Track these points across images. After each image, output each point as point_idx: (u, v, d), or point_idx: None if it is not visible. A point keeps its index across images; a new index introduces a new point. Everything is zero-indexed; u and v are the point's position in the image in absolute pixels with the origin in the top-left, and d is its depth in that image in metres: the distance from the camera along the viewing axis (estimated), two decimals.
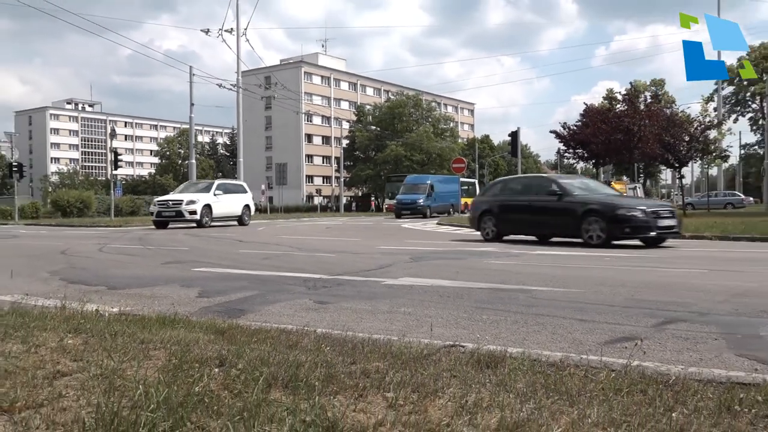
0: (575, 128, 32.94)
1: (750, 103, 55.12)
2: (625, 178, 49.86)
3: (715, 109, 47.72)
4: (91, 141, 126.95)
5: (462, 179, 44.72)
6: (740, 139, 68.84)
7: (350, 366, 3.05)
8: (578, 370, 3.11)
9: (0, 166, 73.65)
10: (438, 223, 26.01)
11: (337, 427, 2.19)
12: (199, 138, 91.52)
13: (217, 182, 25.89)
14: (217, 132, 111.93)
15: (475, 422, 2.29)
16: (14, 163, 34.65)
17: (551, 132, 34.65)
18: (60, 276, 8.04)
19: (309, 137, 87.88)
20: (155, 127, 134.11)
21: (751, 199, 50.84)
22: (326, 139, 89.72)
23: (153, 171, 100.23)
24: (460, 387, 2.74)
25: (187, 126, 43.20)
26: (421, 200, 38.11)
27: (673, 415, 2.39)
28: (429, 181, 40.89)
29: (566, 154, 36.02)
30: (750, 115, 55.88)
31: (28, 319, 4.16)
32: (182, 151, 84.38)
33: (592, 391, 2.70)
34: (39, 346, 3.43)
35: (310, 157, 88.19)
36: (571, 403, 2.53)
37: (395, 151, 66.01)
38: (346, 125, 79.78)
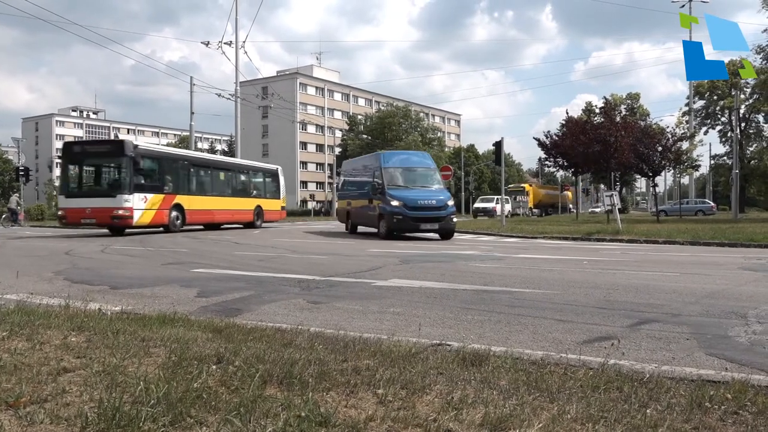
0: (557, 137, 33.15)
1: (720, 116, 55.66)
2: (602, 186, 50.16)
3: (687, 122, 48.22)
4: None
5: (260, 165, 28.94)
6: (710, 150, 69.63)
7: (342, 363, 3.04)
8: (558, 368, 3.13)
9: (7, 170, 72.90)
10: None
11: (330, 421, 2.19)
12: (199, 145, 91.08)
13: None
14: (216, 139, 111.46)
15: (460, 418, 2.29)
16: (21, 168, 34.36)
17: (535, 139, 34.83)
18: (64, 276, 7.97)
19: (304, 145, 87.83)
20: (157, 134, 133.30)
21: (712, 205, 51.37)
22: (320, 147, 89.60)
23: None
24: (447, 384, 2.74)
25: (188, 133, 42.98)
26: (449, 201, 17.47)
27: (648, 411, 2.40)
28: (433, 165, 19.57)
29: (547, 163, 36.22)
30: (719, 127, 56.45)
31: (33, 318, 4.11)
32: None
33: (571, 389, 2.71)
34: (43, 344, 3.39)
35: (304, 163, 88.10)
36: (552, 400, 2.54)
37: None
38: (339, 134, 79.76)
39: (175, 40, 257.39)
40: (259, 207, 26.53)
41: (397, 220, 16.61)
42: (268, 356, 3.09)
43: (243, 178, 26.90)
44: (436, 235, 17.43)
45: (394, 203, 16.72)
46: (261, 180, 28.13)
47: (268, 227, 27.20)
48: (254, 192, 26.96)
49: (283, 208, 29.69)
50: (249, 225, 26.10)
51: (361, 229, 20.62)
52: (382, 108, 78.62)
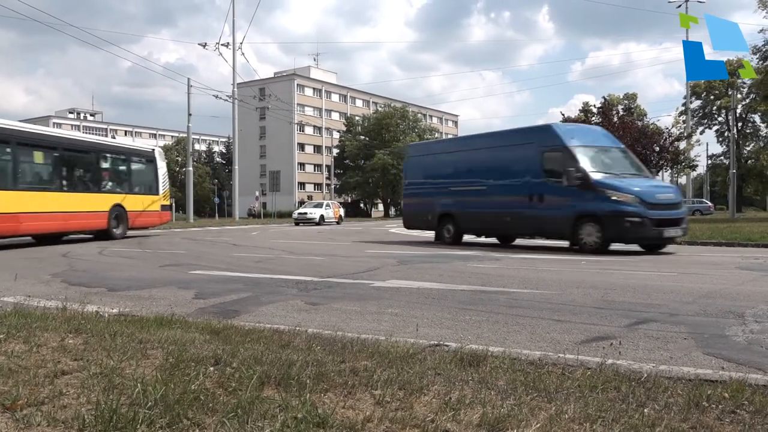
0: None
1: (716, 116, 55.80)
2: None
3: (684, 122, 48.34)
4: None
5: (121, 145, 20.31)
6: (707, 149, 69.75)
7: (340, 365, 3.04)
8: (556, 368, 3.13)
9: None
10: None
11: (327, 423, 2.18)
12: (196, 146, 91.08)
13: None
14: (213, 141, 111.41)
15: (458, 418, 2.29)
16: None
17: None
18: (61, 278, 7.96)
19: (301, 146, 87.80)
20: (154, 135, 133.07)
21: (710, 204, 51.70)
22: (317, 148, 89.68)
23: None
24: (444, 384, 2.73)
25: (185, 135, 42.93)
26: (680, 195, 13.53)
27: (645, 410, 2.40)
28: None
29: None
30: (716, 127, 56.60)
31: (30, 320, 4.10)
32: (180, 159, 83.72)
33: (569, 388, 2.71)
34: (41, 346, 3.39)
35: (302, 165, 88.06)
36: (549, 400, 2.54)
37: (383, 160, 66.07)
38: (336, 135, 79.78)
39: (172, 41, 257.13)
40: (119, 207, 17.44)
41: (632, 223, 11.11)
42: (265, 358, 3.08)
43: (88, 163, 17.09)
44: (433, 235, 14.77)
45: (619, 198, 11.29)
46: (124, 168, 18.69)
47: (147, 235, 20.21)
48: (109, 185, 17.80)
49: (164, 207, 20.28)
50: (102, 235, 16.95)
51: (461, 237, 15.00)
52: (380, 109, 78.58)
